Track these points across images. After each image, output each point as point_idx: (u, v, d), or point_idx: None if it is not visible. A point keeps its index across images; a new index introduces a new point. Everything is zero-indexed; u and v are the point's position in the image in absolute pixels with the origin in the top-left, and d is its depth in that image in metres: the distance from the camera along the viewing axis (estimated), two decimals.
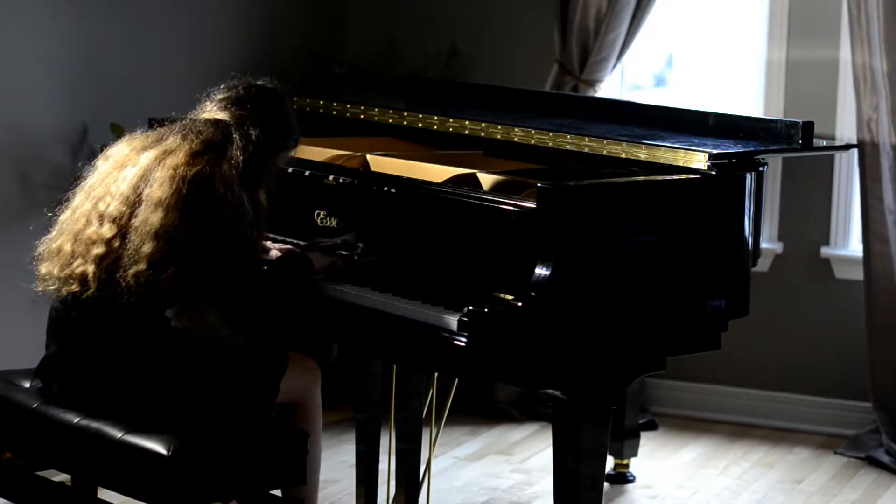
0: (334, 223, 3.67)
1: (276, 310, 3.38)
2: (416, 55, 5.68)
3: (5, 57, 4.46)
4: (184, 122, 3.43)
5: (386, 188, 3.56)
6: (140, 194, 3.29)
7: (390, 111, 4.30)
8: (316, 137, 4.16)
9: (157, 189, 3.26)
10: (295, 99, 4.51)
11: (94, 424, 3.28)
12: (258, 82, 3.52)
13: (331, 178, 3.70)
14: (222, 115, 3.43)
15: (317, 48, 5.73)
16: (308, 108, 4.48)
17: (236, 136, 3.37)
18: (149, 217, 3.25)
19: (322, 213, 3.70)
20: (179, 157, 3.30)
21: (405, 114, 4.26)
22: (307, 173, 3.77)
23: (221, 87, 3.52)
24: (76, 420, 3.31)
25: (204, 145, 3.33)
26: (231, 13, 5.38)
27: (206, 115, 3.46)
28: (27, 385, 3.49)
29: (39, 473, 3.53)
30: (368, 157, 3.88)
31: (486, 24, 5.78)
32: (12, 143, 4.51)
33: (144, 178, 3.30)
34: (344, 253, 3.59)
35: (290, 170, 3.81)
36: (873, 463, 5.13)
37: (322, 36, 5.84)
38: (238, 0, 5.42)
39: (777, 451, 5.27)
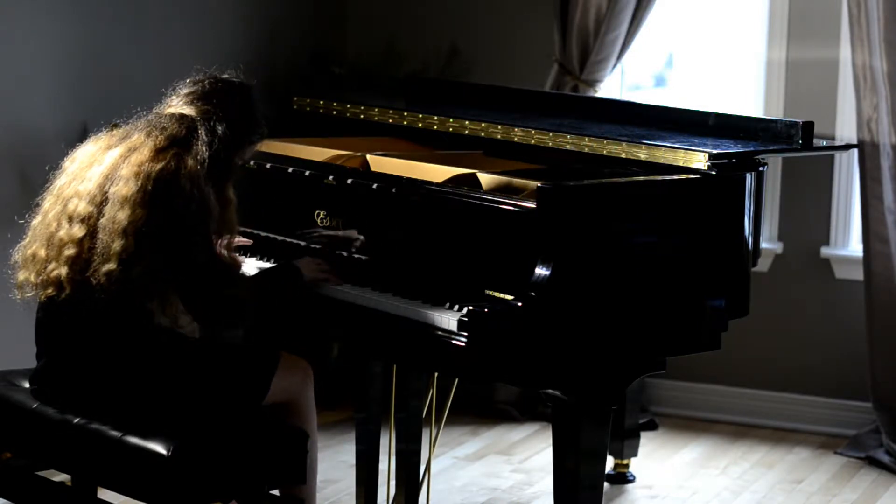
0: (334, 223, 3.67)
1: (247, 309, 3.40)
2: (416, 55, 5.68)
3: (5, 57, 4.46)
4: (149, 118, 3.44)
5: (386, 188, 3.56)
6: (106, 193, 3.30)
7: (390, 111, 4.30)
8: (316, 137, 4.17)
9: (123, 186, 3.27)
10: (295, 99, 4.51)
11: (94, 425, 3.28)
12: (224, 76, 3.52)
13: (331, 178, 3.70)
14: (188, 110, 3.43)
15: (317, 48, 5.73)
16: (308, 108, 4.48)
17: (202, 130, 3.37)
18: (116, 215, 3.26)
19: (322, 213, 3.70)
20: (144, 154, 3.31)
21: (405, 114, 4.26)
22: (307, 173, 3.77)
23: (187, 80, 3.51)
24: (75, 420, 3.31)
25: (168, 141, 3.34)
26: (231, 13, 5.38)
27: (171, 110, 3.45)
28: (27, 385, 3.49)
29: (39, 473, 3.53)
30: (368, 157, 3.88)
31: (486, 24, 5.78)
32: (12, 143, 4.51)
33: (110, 176, 3.32)
34: (343, 253, 3.59)
35: (290, 170, 3.81)
36: (873, 463, 5.13)
37: (322, 36, 5.84)
38: (238, 0, 5.42)
39: (777, 451, 5.27)
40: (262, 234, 3.83)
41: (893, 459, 5.08)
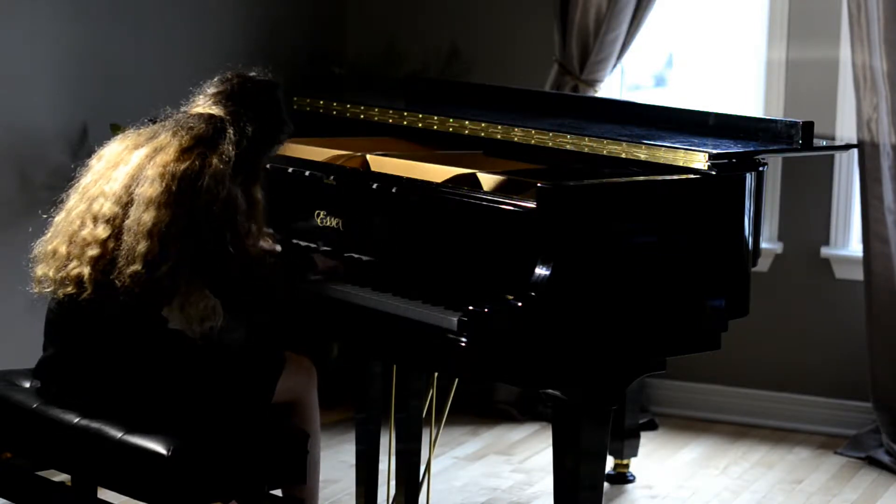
0: (334, 223, 3.67)
1: (275, 297, 3.39)
2: (416, 55, 5.68)
3: (5, 57, 4.46)
4: (176, 117, 3.42)
5: (386, 188, 3.56)
6: (132, 194, 3.29)
7: (390, 111, 4.30)
8: (316, 137, 4.16)
9: (149, 188, 3.26)
10: (295, 99, 4.51)
11: (94, 424, 3.28)
12: (251, 74, 3.51)
13: (331, 178, 3.70)
14: (216, 110, 3.42)
15: (317, 48, 5.73)
16: (308, 108, 4.48)
17: (231, 131, 3.36)
18: (141, 216, 3.25)
19: (322, 213, 3.70)
20: (169, 154, 3.30)
21: (405, 114, 4.26)
22: (307, 173, 3.77)
23: (214, 80, 3.50)
24: (76, 420, 3.31)
25: (194, 140, 3.32)
26: (231, 13, 5.38)
27: (199, 110, 3.44)
28: (27, 385, 3.49)
29: (39, 473, 3.53)
30: (368, 157, 3.88)
31: (486, 24, 5.78)
32: (12, 143, 4.51)
33: (136, 177, 3.31)
34: (343, 253, 3.60)
35: (290, 170, 3.81)
36: (873, 463, 5.13)
37: (322, 36, 5.84)
38: (238, 0, 5.42)
39: (777, 451, 5.27)
40: None
41: (893, 459, 5.08)
